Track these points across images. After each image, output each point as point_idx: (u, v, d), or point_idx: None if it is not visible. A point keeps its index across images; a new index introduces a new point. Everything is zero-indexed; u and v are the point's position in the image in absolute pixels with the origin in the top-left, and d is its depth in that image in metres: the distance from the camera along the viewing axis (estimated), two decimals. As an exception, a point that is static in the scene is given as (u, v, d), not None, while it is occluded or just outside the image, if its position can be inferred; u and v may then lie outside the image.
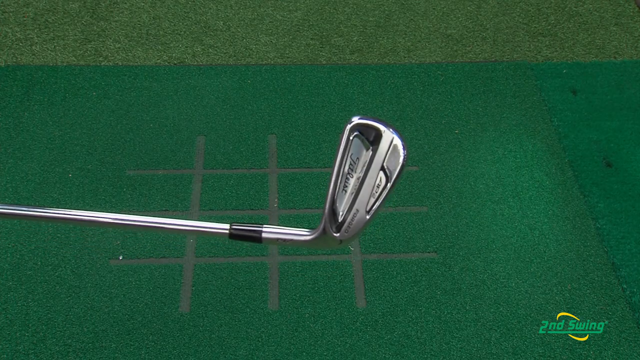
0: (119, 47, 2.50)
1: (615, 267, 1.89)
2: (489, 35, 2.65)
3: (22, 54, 2.45)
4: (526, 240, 1.95)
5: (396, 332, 1.73)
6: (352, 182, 0.86)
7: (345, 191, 0.86)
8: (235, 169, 2.11)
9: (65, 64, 2.42)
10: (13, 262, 1.83)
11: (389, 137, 0.83)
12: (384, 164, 0.84)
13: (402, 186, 2.09)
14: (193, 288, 1.80)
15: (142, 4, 2.69)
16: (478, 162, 2.17)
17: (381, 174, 0.84)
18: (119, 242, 1.89)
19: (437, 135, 2.25)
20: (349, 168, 0.85)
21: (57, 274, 1.81)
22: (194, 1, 2.73)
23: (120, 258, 1.86)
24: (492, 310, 1.79)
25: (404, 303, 1.79)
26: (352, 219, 0.86)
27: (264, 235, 0.89)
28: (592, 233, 1.97)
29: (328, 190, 0.86)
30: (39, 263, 1.83)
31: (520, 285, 1.84)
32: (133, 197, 2.01)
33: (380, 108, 2.33)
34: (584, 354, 1.71)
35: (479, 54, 2.57)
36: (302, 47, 2.55)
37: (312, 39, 2.59)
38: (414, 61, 2.52)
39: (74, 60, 2.44)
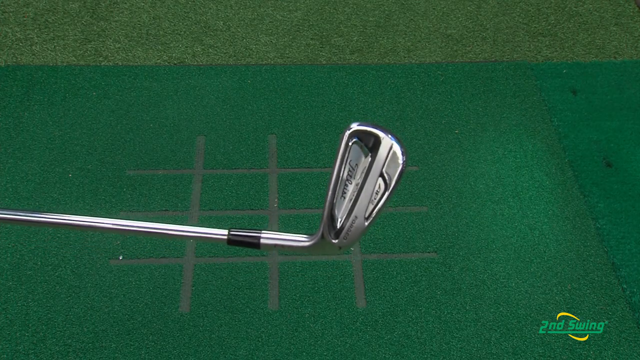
0: (119, 47, 2.50)
1: (615, 267, 1.89)
2: (489, 35, 2.65)
3: (22, 54, 2.45)
4: (526, 240, 1.95)
5: (396, 332, 1.73)
6: (351, 188, 0.86)
7: (344, 197, 0.86)
8: (235, 169, 2.11)
9: (65, 64, 2.42)
10: (13, 262, 1.83)
11: (388, 144, 0.83)
12: (383, 170, 0.84)
13: (402, 186, 2.09)
14: (193, 288, 1.80)
15: (142, 4, 2.69)
16: (478, 162, 2.17)
17: (380, 180, 0.84)
18: (119, 242, 1.89)
19: (437, 135, 2.25)
20: (348, 174, 0.85)
21: (57, 274, 1.81)
22: (194, 1, 2.73)
23: (120, 258, 1.86)
24: (492, 310, 1.79)
25: (404, 303, 1.79)
26: (351, 226, 0.86)
27: (262, 241, 0.89)
28: (592, 233, 1.97)
29: (327, 197, 0.86)
30: (39, 263, 1.83)
31: (520, 285, 1.84)
32: (133, 197, 2.01)
33: (380, 108, 2.33)
34: (584, 354, 1.71)
35: (479, 54, 2.57)
36: (302, 47, 2.55)
37: (312, 39, 2.59)
38: (414, 61, 2.52)
39: (74, 60, 2.44)
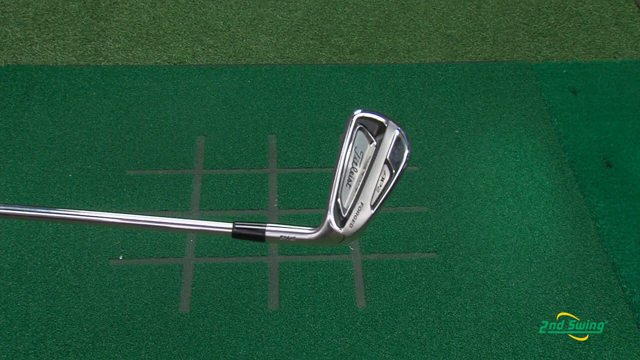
0: (119, 47, 2.50)
1: (615, 267, 1.89)
2: (489, 35, 2.65)
3: (22, 54, 2.45)
4: (526, 240, 1.95)
5: (396, 332, 1.73)
6: (357, 176, 0.86)
7: (350, 185, 0.86)
8: (235, 169, 2.11)
9: (65, 64, 2.42)
10: (13, 262, 1.83)
11: (393, 130, 0.83)
12: (388, 158, 0.84)
13: (402, 186, 2.09)
14: (193, 288, 1.80)
15: (142, 4, 2.69)
16: (478, 162, 2.17)
17: (385, 167, 0.84)
18: (119, 242, 1.89)
19: (437, 135, 2.25)
20: (353, 162, 0.85)
21: (57, 274, 1.81)
22: (194, 1, 2.73)
23: (120, 258, 1.86)
24: (492, 310, 1.79)
25: (404, 303, 1.79)
26: (357, 213, 0.86)
27: (267, 234, 0.88)
28: (592, 233, 1.97)
29: (332, 185, 0.85)
30: (39, 263, 1.83)
31: (520, 285, 1.84)
32: (133, 197, 2.01)
33: (380, 108, 2.33)
34: (584, 354, 1.71)
35: (479, 54, 2.57)
36: (302, 47, 2.55)
37: (312, 39, 2.59)
38: (414, 61, 2.52)
39: (74, 60, 2.44)
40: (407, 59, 2.53)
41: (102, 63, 2.44)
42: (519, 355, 1.70)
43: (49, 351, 1.66)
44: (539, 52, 2.59)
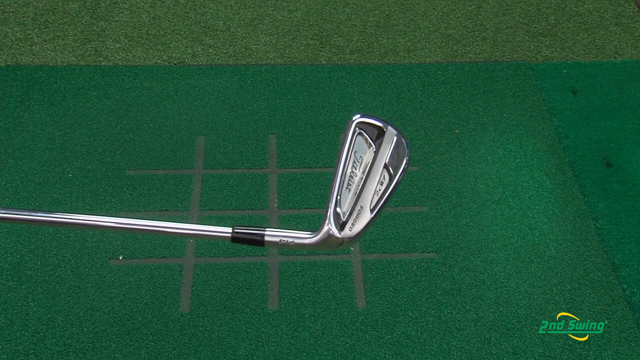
0: (119, 47, 2.50)
1: (615, 267, 1.89)
2: (489, 35, 2.65)
3: (22, 54, 2.45)
4: (526, 240, 1.95)
5: (396, 332, 1.73)
6: (356, 180, 0.86)
7: (349, 189, 0.86)
8: (235, 169, 2.11)
9: (65, 64, 2.42)
10: (13, 262, 1.83)
11: (392, 135, 0.84)
12: (387, 162, 0.84)
13: (402, 186, 2.09)
14: (193, 288, 1.81)
15: (142, 4, 2.69)
16: (478, 162, 2.17)
17: (384, 172, 0.85)
18: (119, 242, 1.89)
19: (437, 135, 2.25)
20: (352, 166, 0.86)
21: (57, 274, 1.81)
22: (194, 1, 2.73)
23: (120, 258, 1.86)
24: (492, 310, 1.79)
25: (404, 303, 1.79)
26: (356, 218, 0.86)
27: (266, 238, 0.89)
28: (592, 233, 1.97)
29: (332, 189, 0.86)
30: (39, 263, 1.83)
31: (520, 285, 1.84)
32: (133, 197, 2.01)
33: (380, 108, 2.33)
34: (584, 354, 1.71)
35: (479, 54, 2.57)
36: (302, 47, 2.55)
37: (312, 39, 2.59)
38: (414, 61, 2.52)
39: (74, 60, 2.44)
40: (407, 59, 2.53)
41: (102, 63, 2.44)
42: (519, 355, 1.70)
43: (49, 351, 1.66)
44: (539, 52, 2.59)
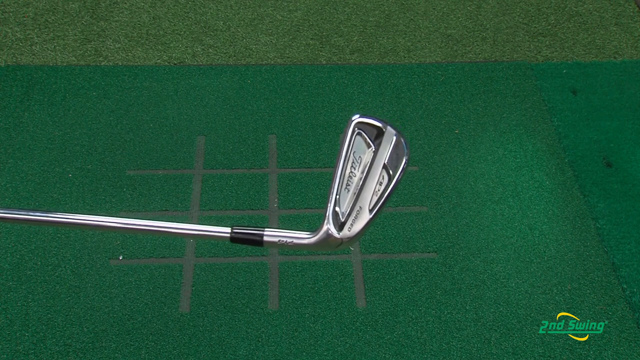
0: (119, 47, 2.50)
1: (615, 267, 1.89)
2: (489, 35, 2.65)
3: (22, 54, 2.45)
4: (526, 240, 1.95)
5: (396, 332, 1.73)
6: (355, 181, 0.86)
7: (348, 190, 0.86)
8: (235, 169, 2.11)
9: (65, 64, 2.42)
10: (13, 262, 1.83)
11: (391, 136, 0.84)
12: (386, 163, 0.84)
13: (402, 186, 2.09)
14: (193, 288, 1.81)
15: (142, 4, 2.69)
16: (478, 162, 2.17)
17: (384, 172, 0.85)
18: (119, 242, 1.89)
19: (437, 135, 2.25)
20: (351, 167, 0.86)
21: (57, 274, 1.81)
22: (194, 1, 2.73)
23: (120, 258, 1.86)
24: (492, 310, 1.79)
25: (404, 303, 1.79)
26: (355, 218, 0.86)
27: (265, 238, 0.89)
28: (592, 233, 1.97)
29: (331, 190, 0.86)
30: (39, 263, 1.83)
31: (520, 285, 1.84)
32: (133, 197, 2.01)
33: (380, 108, 2.33)
34: (584, 354, 1.71)
35: (479, 54, 2.57)
36: (302, 47, 2.55)
37: (312, 39, 2.59)
38: (414, 61, 2.52)
39: (74, 60, 2.44)
40: (407, 59, 2.53)
41: (102, 63, 2.44)
42: (519, 355, 1.70)
43: (49, 351, 1.66)
44: (539, 52, 2.59)
